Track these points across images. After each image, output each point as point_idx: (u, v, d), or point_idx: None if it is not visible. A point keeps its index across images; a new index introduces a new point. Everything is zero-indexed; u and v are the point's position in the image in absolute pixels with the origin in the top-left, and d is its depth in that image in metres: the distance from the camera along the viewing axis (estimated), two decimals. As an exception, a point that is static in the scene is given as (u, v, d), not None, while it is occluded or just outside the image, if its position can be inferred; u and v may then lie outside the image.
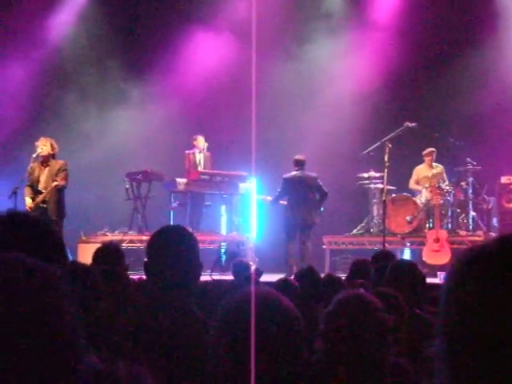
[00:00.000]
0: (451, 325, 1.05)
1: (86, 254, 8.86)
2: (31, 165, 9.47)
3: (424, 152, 11.48)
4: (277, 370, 1.76)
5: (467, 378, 1.02)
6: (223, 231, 11.95)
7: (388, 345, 2.40)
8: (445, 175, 11.46)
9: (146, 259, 2.49)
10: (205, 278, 6.86)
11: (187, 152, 11.81)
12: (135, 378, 1.69)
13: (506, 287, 1.00)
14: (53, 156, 9.48)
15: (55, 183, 9.26)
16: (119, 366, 1.63)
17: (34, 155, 9.51)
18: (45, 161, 9.43)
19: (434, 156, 11.44)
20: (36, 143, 9.46)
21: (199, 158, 11.82)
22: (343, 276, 6.24)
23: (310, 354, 2.47)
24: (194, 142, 11.82)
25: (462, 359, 1.02)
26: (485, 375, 1.00)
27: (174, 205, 11.99)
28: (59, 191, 9.39)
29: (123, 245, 10.00)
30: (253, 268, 10.29)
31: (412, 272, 4.51)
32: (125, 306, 2.79)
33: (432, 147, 11.41)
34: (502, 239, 1.07)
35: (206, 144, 11.85)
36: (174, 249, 2.41)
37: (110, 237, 10.98)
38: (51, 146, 9.43)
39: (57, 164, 9.44)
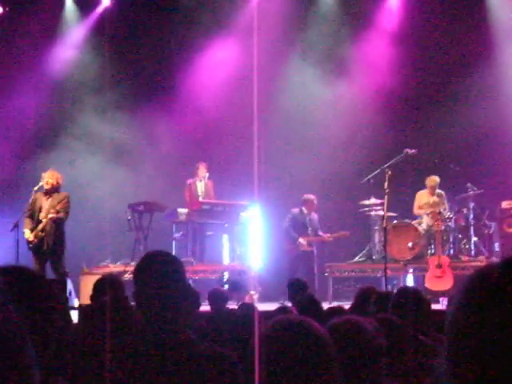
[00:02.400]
0: (455, 347, 1.07)
1: (88, 286, 8.83)
2: (34, 196, 9.55)
3: (428, 180, 11.38)
4: None
5: None
6: (225, 261, 11.93)
7: (381, 368, 2.40)
8: (445, 200, 11.43)
9: (133, 289, 2.47)
10: (207, 307, 6.87)
11: (189, 182, 11.84)
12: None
13: (507, 312, 1.02)
14: (57, 189, 9.54)
15: (51, 215, 9.30)
16: None
17: (36, 188, 9.60)
18: (48, 192, 9.49)
19: (437, 185, 11.37)
20: (43, 174, 9.54)
21: (200, 186, 11.85)
22: (347, 304, 6.22)
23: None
24: (197, 171, 11.87)
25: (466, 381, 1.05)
26: None
27: (177, 235, 11.99)
28: (59, 225, 9.44)
29: (125, 276, 9.99)
30: (255, 297, 10.31)
31: (416, 299, 4.50)
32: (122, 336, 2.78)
33: (435, 175, 11.32)
34: (505, 263, 1.09)
35: (207, 173, 11.87)
36: (157, 273, 2.40)
37: (112, 268, 10.98)
38: (56, 179, 9.50)
39: (60, 195, 9.51)
